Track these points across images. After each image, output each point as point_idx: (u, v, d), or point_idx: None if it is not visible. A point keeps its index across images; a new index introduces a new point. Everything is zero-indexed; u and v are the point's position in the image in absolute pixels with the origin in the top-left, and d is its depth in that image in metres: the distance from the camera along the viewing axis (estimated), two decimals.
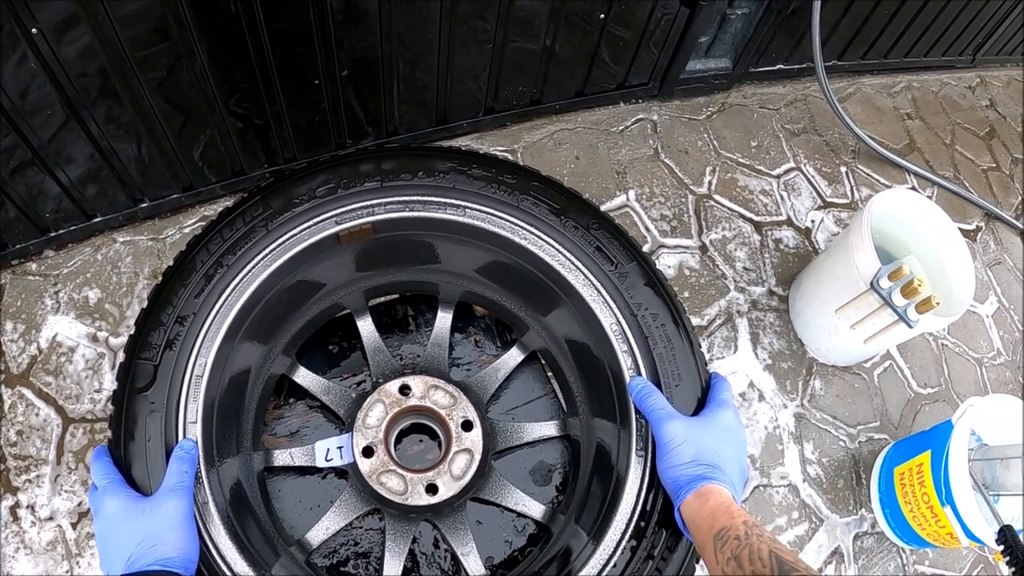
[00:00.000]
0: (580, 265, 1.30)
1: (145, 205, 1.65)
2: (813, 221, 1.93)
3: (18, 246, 1.60)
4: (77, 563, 1.42)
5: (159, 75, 1.34)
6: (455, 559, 1.39)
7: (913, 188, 2.10)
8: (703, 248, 1.83)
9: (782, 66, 2.10)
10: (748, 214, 1.91)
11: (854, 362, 1.78)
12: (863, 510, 1.66)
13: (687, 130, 2.01)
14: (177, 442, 1.13)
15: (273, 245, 1.26)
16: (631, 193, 1.88)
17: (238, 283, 1.23)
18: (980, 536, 1.38)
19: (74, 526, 1.44)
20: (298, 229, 1.27)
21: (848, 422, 1.72)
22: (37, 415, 1.52)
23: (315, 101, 1.55)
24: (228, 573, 1.09)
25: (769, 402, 1.70)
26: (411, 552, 1.39)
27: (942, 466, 1.43)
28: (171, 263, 1.28)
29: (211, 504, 1.11)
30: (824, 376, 1.75)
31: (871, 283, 1.47)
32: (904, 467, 1.55)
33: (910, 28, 2.14)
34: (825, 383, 1.75)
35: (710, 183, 1.93)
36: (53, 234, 1.61)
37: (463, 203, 1.31)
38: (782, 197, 1.95)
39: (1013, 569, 1.29)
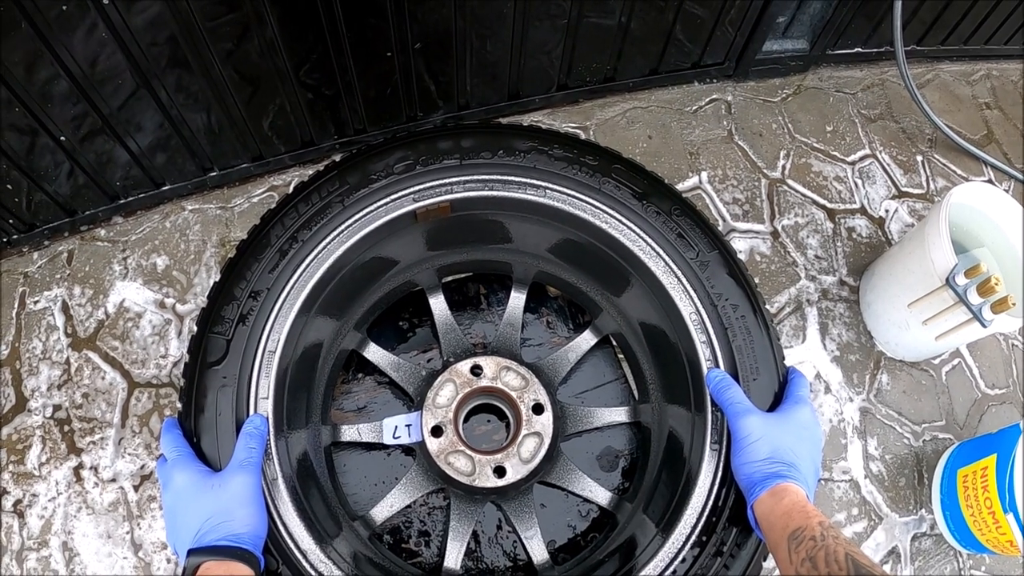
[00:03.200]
0: (661, 251, 1.27)
1: (214, 174, 1.66)
2: (887, 211, 1.88)
3: (87, 212, 1.62)
4: (138, 524, 1.44)
5: (229, 44, 1.33)
6: (517, 541, 1.39)
7: (990, 181, 2.03)
8: (775, 234, 1.79)
9: (860, 49, 2.04)
10: (822, 201, 1.86)
11: (923, 358, 1.74)
12: (923, 510, 1.62)
13: (762, 112, 1.95)
14: (247, 417, 1.13)
15: (349, 221, 1.25)
16: (703, 175, 1.84)
17: (313, 259, 1.22)
18: None
19: (136, 488, 1.46)
20: (375, 205, 1.26)
21: (913, 419, 1.68)
22: (103, 379, 1.53)
23: (386, 73, 1.53)
24: (295, 549, 1.09)
25: (835, 395, 1.66)
26: (473, 532, 1.39)
27: (1008, 472, 1.40)
28: (244, 236, 1.27)
29: (280, 480, 1.12)
30: (891, 371, 1.71)
31: (947, 279, 1.43)
32: (968, 470, 1.52)
33: (992, 14, 2.05)
34: (892, 378, 1.71)
35: (784, 167, 1.88)
36: (122, 201, 1.63)
37: (544, 184, 1.28)
38: (856, 184, 1.90)
39: None
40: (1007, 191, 2.02)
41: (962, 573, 1.61)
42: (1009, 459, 1.40)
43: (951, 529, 1.58)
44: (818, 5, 1.84)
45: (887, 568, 1.57)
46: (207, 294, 1.22)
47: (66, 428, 1.50)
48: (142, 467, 1.48)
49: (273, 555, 1.08)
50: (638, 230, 1.28)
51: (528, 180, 1.28)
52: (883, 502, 1.61)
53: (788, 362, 1.61)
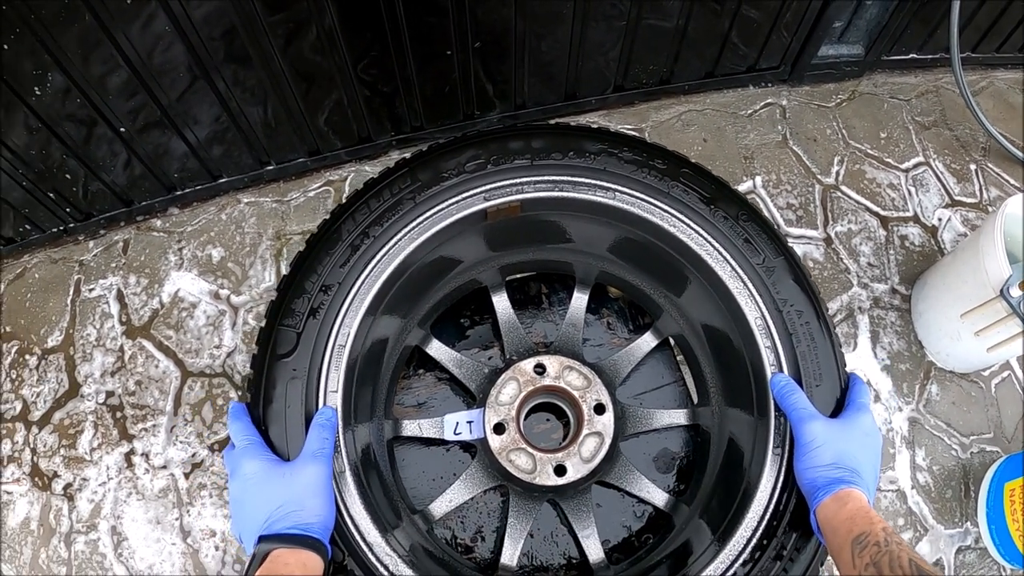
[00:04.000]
0: (728, 256, 1.27)
1: (270, 168, 1.67)
2: (940, 219, 1.87)
3: (144, 203, 1.64)
4: (187, 511, 1.46)
5: (289, 38, 1.34)
6: (571, 540, 1.39)
7: None
8: (828, 240, 1.79)
9: (915, 55, 2.03)
10: (875, 208, 1.85)
11: (973, 369, 1.73)
12: (968, 523, 1.61)
13: (816, 117, 1.95)
14: (317, 409, 1.14)
15: (420, 218, 1.26)
16: (758, 179, 1.84)
17: (384, 255, 1.23)
18: None
19: (187, 476, 1.48)
20: (446, 203, 1.27)
21: (962, 431, 1.68)
22: (156, 367, 1.55)
23: (445, 71, 1.54)
24: (361, 541, 1.10)
25: (884, 404, 1.66)
26: (529, 529, 1.40)
27: None
28: (299, 229, 1.28)
29: (347, 472, 1.13)
30: (941, 381, 1.71)
31: (1000, 291, 1.42)
32: (1015, 484, 1.51)
33: None
34: (942, 389, 1.70)
35: (838, 173, 1.88)
36: (178, 192, 1.64)
37: (613, 186, 1.29)
38: (910, 192, 1.89)
39: None
40: None
41: None
42: None
43: (996, 543, 1.57)
44: (874, 10, 1.84)
45: (936, 569, 1.57)
46: (276, 287, 1.23)
47: (118, 414, 1.52)
48: (193, 455, 1.50)
49: (340, 546, 1.09)
50: (705, 234, 1.28)
51: (598, 182, 1.29)
52: (929, 513, 1.60)
53: None
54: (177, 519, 1.46)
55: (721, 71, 1.87)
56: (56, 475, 1.48)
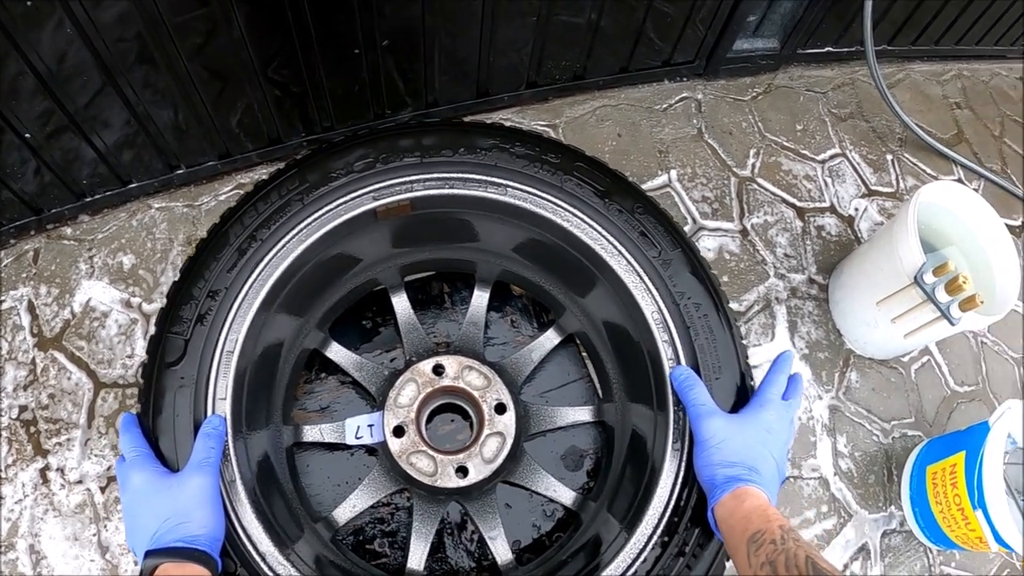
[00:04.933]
0: (623, 250, 1.26)
1: (181, 172, 1.64)
2: (857, 209, 1.88)
3: (53, 210, 1.60)
4: (105, 527, 1.42)
5: (196, 41, 1.31)
6: (482, 541, 1.38)
7: (960, 180, 2.04)
8: (744, 232, 1.79)
9: (831, 48, 2.04)
10: (791, 199, 1.86)
11: (892, 356, 1.74)
12: (892, 507, 1.63)
13: (732, 111, 1.96)
14: (206, 418, 1.12)
15: (309, 219, 1.24)
16: (673, 173, 1.83)
17: (272, 258, 1.21)
18: (1010, 543, 1.36)
19: (103, 490, 1.45)
20: (335, 204, 1.25)
21: (883, 417, 1.69)
22: (69, 379, 1.52)
23: (354, 70, 1.52)
24: (254, 552, 1.08)
25: (804, 393, 1.66)
26: (438, 532, 1.38)
27: (976, 469, 1.40)
28: (204, 234, 1.26)
29: (238, 482, 1.11)
30: (861, 369, 1.72)
31: (915, 277, 1.43)
32: (937, 467, 1.52)
33: (963, 15, 2.07)
34: (861, 376, 1.71)
35: (754, 166, 1.89)
36: (88, 199, 1.61)
37: (505, 182, 1.28)
38: (826, 183, 1.90)
39: None
40: (976, 190, 2.03)
41: (932, 569, 1.62)
42: (978, 456, 1.40)
43: (921, 526, 1.58)
44: (789, 4, 1.85)
45: (857, 566, 1.57)
46: (166, 293, 1.21)
47: (32, 429, 1.48)
48: (108, 468, 1.46)
49: (231, 557, 1.07)
50: (600, 228, 1.27)
51: (489, 178, 1.28)
52: (853, 499, 1.61)
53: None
54: (95, 535, 1.43)
55: (636, 66, 1.86)
56: None
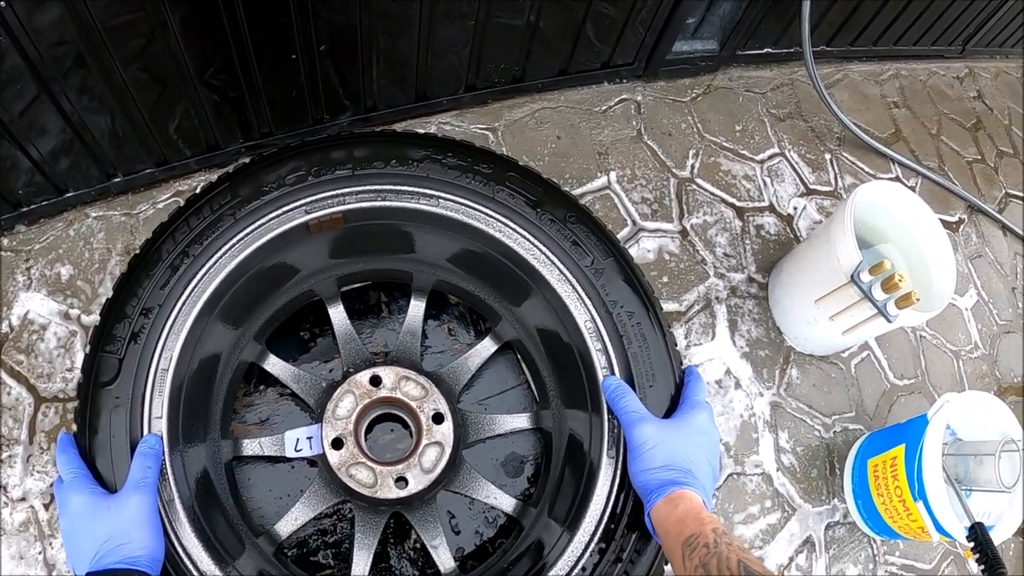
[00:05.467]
0: (555, 259, 1.27)
1: (118, 180, 1.61)
2: (795, 208, 1.91)
3: None
4: (50, 544, 1.41)
5: (131, 47, 1.29)
6: (425, 551, 1.38)
7: (897, 178, 2.07)
8: (683, 232, 1.81)
9: (770, 50, 2.07)
10: (730, 199, 1.88)
11: (831, 352, 1.77)
12: (836, 500, 1.66)
13: (671, 112, 1.97)
14: (142, 437, 1.11)
15: (241, 234, 1.23)
16: (612, 175, 1.85)
17: (205, 273, 1.20)
18: (951, 532, 1.39)
19: (47, 507, 1.43)
20: (267, 218, 1.24)
21: (824, 412, 1.72)
22: (9, 394, 1.49)
23: (292, 75, 1.51)
24: (194, 572, 1.08)
25: (745, 390, 1.69)
26: (381, 543, 1.38)
27: (916, 460, 1.43)
28: (137, 251, 1.25)
29: (176, 501, 1.10)
30: (801, 365, 1.75)
31: (852, 276, 1.46)
32: (878, 459, 1.55)
33: (901, 16, 2.10)
34: (802, 372, 1.74)
35: (693, 166, 1.91)
36: (25, 209, 1.58)
37: (437, 193, 1.27)
38: (765, 183, 1.93)
39: (982, 567, 1.30)
40: (914, 188, 2.07)
41: (876, 559, 1.66)
42: (917, 448, 1.43)
43: (864, 517, 1.62)
44: (728, 6, 1.86)
45: (802, 558, 1.60)
46: (99, 311, 1.19)
47: None
48: (51, 485, 1.45)
49: None
50: (532, 238, 1.28)
51: (421, 190, 1.27)
52: (796, 493, 1.64)
53: (699, 359, 1.65)
54: (40, 552, 1.41)
55: (575, 68, 1.87)
56: None
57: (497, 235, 1.27)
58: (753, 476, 1.63)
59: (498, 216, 1.28)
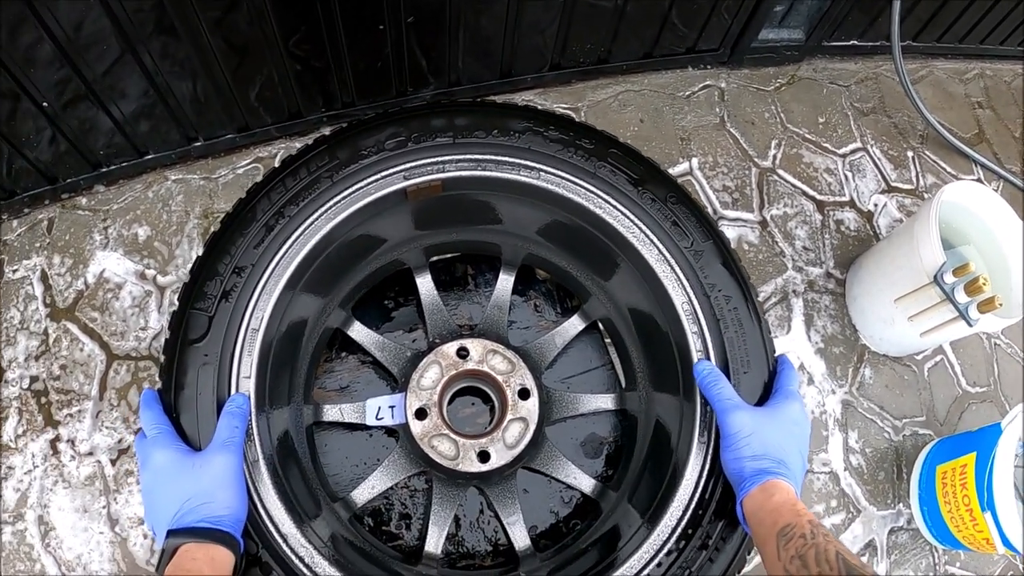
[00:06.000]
0: (655, 239, 1.25)
1: (198, 144, 1.62)
2: (876, 205, 1.87)
3: (68, 180, 1.58)
4: (115, 499, 1.42)
5: (218, 12, 1.29)
6: (499, 526, 1.37)
7: (979, 180, 2.03)
8: (763, 223, 1.78)
9: (856, 42, 2.02)
10: (811, 192, 1.85)
11: (906, 353, 1.74)
12: (901, 505, 1.63)
13: (755, 100, 1.94)
14: (229, 396, 1.11)
15: (338, 197, 1.22)
16: (694, 161, 1.82)
17: (299, 235, 1.20)
18: (1017, 546, 1.36)
19: (113, 462, 1.44)
20: (364, 182, 1.23)
21: (894, 414, 1.69)
22: (81, 350, 1.50)
23: (377, 46, 1.50)
24: (275, 533, 1.07)
25: (818, 386, 1.66)
26: (455, 516, 1.37)
27: (987, 471, 1.40)
28: (228, 208, 1.24)
29: (261, 462, 1.10)
30: (875, 365, 1.72)
31: (935, 277, 1.43)
32: (947, 466, 1.52)
33: (989, 14, 2.05)
34: (875, 372, 1.71)
35: (775, 157, 1.87)
36: (104, 169, 1.59)
37: (538, 165, 1.26)
38: (847, 177, 1.89)
39: None
40: (996, 191, 2.02)
41: (936, 568, 1.62)
42: (989, 458, 1.40)
43: (928, 524, 1.58)
44: None
45: (863, 561, 1.58)
46: (189, 269, 1.19)
47: (43, 400, 1.47)
48: (119, 441, 1.45)
49: (253, 538, 1.06)
50: (632, 216, 1.26)
51: (522, 161, 1.26)
52: (862, 495, 1.61)
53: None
54: (104, 507, 1.42)
55: (660, 52, 1.84)
56: None
57: (598, 211, 1.26)
58: (820, 474, 1.61)
59: (599, 192, 1.26)
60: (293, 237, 1.19)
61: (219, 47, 1.36)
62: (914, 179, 1.94)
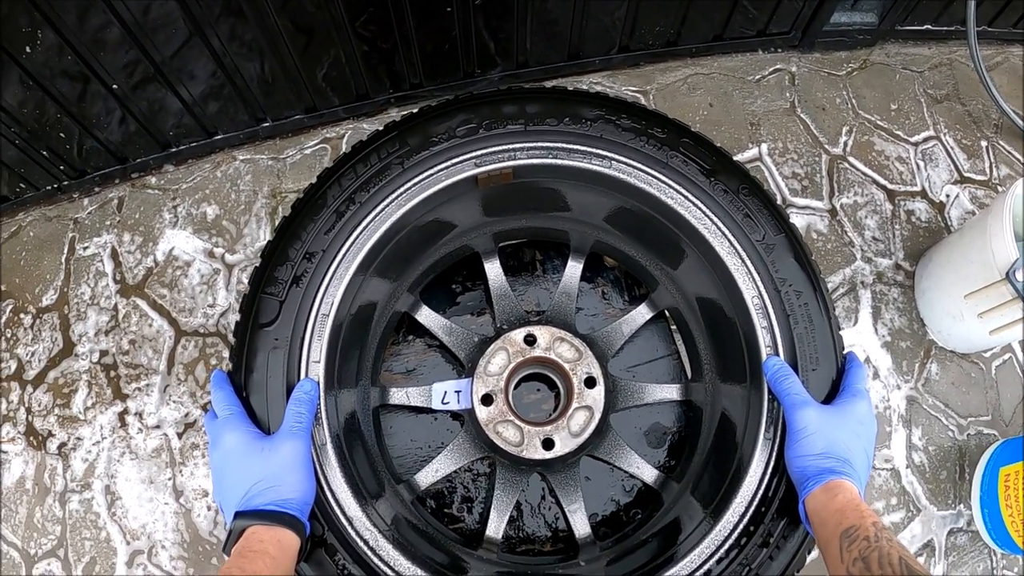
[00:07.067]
0: (726, 231, 1.23)
1: (266, 124, 1.64)
2: (948, 196, 1.82)
3: (138, 160, 1.62)
4: (180, 471, 1.46)
5: None
6: (559, 513, 1.38)
7: None
8: (832, 212, 1.75)
9: (930, 27, 1.96)
10: (882, 181, 1.80)
11: (974, 350, 1.70)
12: (962, 505, 1.60)
13: (826, 85, 1.89)
14: (299, 380, 1.12)
15: (408, 184, 1.22)
16: (764, 147, 1.79)
17: (370, 221, 1.20)
18: None
19: (180, 436, 1.48)
20: (435, 169, 1.23)
21: (960, 412, 1.65)
22: (150, 326, 1.54)
23: (445, 27, 1.50)
24: (341, 516, 1.09)
25: (883, 381, 1.64)
26: (516, 501, 1.38)
27: None
28: (295, 188, 1.25)
29: (328, 446, 1.11)
30: (941, 361, 1.68)
31: (1007, 274, 1.39)
32: (1011, 469, 1.49)
33: None
34: (942, 368, 1.67)
35: (846, 144, 1.83)
36: (173, 149, 1.62)
37: (610, 155, 1.24)
38: (918, 166, 1.84)
39: None
40: None
41: (994, 572, 1.60)
42: None
43: (988, 527, 1.56)
44: None
45: (920, 561, 1.56)
46: (260, 253, 1.20)
47: (112, 374, 1.51)
48: (186, 415, 1.49)
49: (319, 520, 1.08)
50: (704, 208, 1.24)
51: (594, 150, 1.24)
52: (923, 494, 1.59)
53: None
54: (170, 479, 1.46)
55: (730, 34, 1.81)
56: (51, 434, 1.48)
57: (669, 201, 1.24)
58: (882, 471, 1.59)
59: (671, 182, 1.24)
60: (363, 224, 1.20)
61: (286, 28, 1.37)
62: (988, 170, 1.88)
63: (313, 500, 1.07)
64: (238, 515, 1.00)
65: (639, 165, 1.25)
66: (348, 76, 1.56)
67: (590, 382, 1.35)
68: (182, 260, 1.58)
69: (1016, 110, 1.90)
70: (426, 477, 1.35)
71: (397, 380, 1.46)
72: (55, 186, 1.60)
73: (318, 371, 1.14)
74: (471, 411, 1.33)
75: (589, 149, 1.24)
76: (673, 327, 1.54)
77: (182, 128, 1.57)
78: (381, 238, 1.20)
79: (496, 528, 1.33)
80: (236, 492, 1.02)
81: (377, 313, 1.33)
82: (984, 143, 1.91)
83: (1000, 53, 2.08)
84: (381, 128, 1.26)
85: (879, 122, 1.87)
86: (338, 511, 1.09)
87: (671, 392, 1.45)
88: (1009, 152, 1.92)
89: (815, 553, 1.24)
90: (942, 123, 1.91)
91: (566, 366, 1.36)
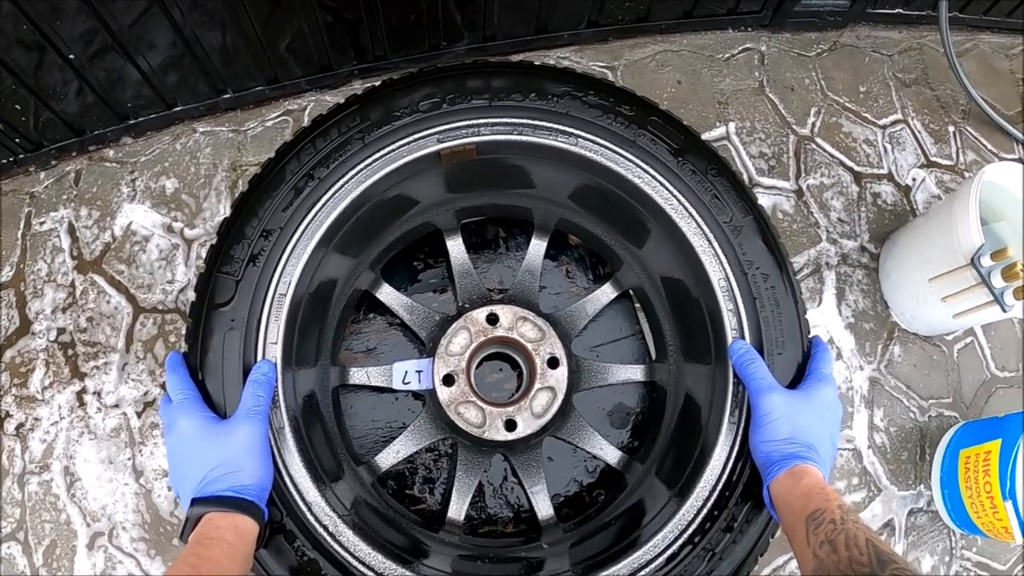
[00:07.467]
0: (694, 212, 1.21)
1: (227, 96, 1.61)
2: (914, 179, 1.83)
3: (96, 132, 1.57)
4: (140, 451, 1.43)
5: None
6: (523, 494, 1.37)
7: (1020, 159, 1.97)
8: (799, 192, 1.74)
9: (901, 10, 1.96)
10: (849, 163, 1.80)
11: (937, 333, 1.71)
12: (922, 486, 1.62)
13: (795, 66, 1.88)
14: (256, 361, 1.09)
15: (369, 159, 1.18)
16: (732, 126, 1.78)
17: (330, 198, 1.17)
18: None
19: (139, 415, 1.45)
20: (397, 144, 1.19)
21: (921, 394, 1.67)
22: (108, 302, 1.50)
23: None
24: (300, 501, 1.07)
25: (846, 362, 1.64)
26: (479, 482, 1.37)
27: (1011, 459, 1.39)
28: (256, 161, 1.22)
29: (286, 429, 1.09)
30: (904, 343, 1.69)
31: (972, 259, 1.40)
32: (971, 451, 1.51)
33: None
34: (904, 350, 1.68)
35: (814, 125, 1.82)
36: (132, 121, 1.58)
37: (576, 131, 1.22)
38: (886, 149, 1.84)
39: None
40: None
41: (952, 552, 1.62)
42: (1014, 447, 1.39)
43: (948, 508, 1.58)
44: None
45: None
46: (216, 231, 1.16)
47: (70, 352, 1.48)
48: (145, 393, 1.46)
49: (278, 506, 1.06)
50: (671, 188, 1.22)
51: (560, 127, 1.22)
52: (884, 474, 1.60)
53: None
54: (130, 459, 1.43)
55: (700, 12, 1.79)
56: (8, 415, 1.45)
57: (636, 181, 1.22)
58: (844, 451, 1.60)
59: (638, 161, 1.22)
60: (322, 200, 1.16)
61: None
62: (954, 155, 1.89)
63: (271, 485, 1.05)
64: (195, 502, 0.98)
65: (606, 143, 1.22)
66: (311, 47, 1.53)
67: (553, 362, 1.34)
68: (140, 235, 1.54)
69: (984, 97, 1.90)
70: (387, 459, 1.33)
71: (357, 359, 1.43)
72: (11, 159, 1.55)
73: (275, 352, 1.11)
74: (432, 391, 1.31)
75: (555, 126, 1.22)
76: (637, 306, 1.53)
77: (141, 99, 1.53)
78: (341, 215, 1.17)
79: (458, 510, 1.32)
80: (192, 478, 1.00)
81: (337, 291, 1.31)
82: (951, 128, 1.92)
83: (970, 39, 2.09)
84: (342, 101, 1.23)
85: (847, 104, 1.87)
86: (296, 496, 1.07)
87: (635, 372, 1.44)
88: (976, 138, 1.93)
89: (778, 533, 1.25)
90: (910, 107, 1.91)
91: (529, 346, 1.34)
